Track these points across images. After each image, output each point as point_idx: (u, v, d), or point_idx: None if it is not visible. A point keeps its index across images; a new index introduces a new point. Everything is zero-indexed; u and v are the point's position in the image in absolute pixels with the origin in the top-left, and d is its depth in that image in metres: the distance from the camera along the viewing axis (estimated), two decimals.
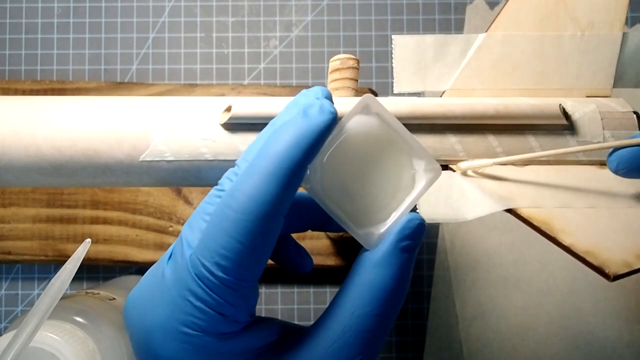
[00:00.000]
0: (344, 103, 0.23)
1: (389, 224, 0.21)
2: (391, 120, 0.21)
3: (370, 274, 0.21)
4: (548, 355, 0.38)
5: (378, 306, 0.21)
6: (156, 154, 0.24)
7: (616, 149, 0.22)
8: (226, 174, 0.21)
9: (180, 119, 0.24)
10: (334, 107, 0.20)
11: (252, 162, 0.20)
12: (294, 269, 0.26)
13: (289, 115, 0.21)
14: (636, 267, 0.21)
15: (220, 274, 0.19)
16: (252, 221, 0.19)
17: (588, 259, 0.22)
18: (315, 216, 0.21)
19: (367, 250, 0.21)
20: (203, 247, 0.19)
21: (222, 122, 0.24)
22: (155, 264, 0.22)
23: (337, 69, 0.27)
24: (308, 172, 0.21)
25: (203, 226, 0.20)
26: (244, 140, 0.24)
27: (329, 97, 0.22)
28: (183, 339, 0.20)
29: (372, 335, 0.21)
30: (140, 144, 0.24)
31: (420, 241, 0.21)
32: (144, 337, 0.20)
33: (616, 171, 0.22)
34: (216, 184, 0.21)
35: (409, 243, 0.21)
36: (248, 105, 0.24)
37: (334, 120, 0.20)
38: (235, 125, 0.24)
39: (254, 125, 0.24)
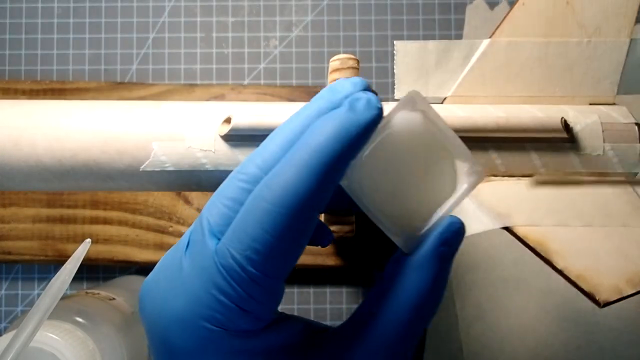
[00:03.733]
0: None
1: (427, 227, 0.20)
2: (436, 119, 0.20)
3: (407, 278, 0.20)
4: (548, 355, 0.38)
5: (414, 312, 0.20)
6: (156, 164, 0.24)
7: None
8: (250, 156, 0.20)
9: (180, 129, 0.24)
10: (380, 103, 0.19)
11: (292, 152, 0.19)
12: (312, 243, 0.25)
13: (322, 101, 0.20)
14: (627, 293, 0.21)
15: (249, 268, 0.18)
16: (288, 215, 0.18)
17: (580, 284, 0.22)
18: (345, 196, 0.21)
19: (404, 252, 0.20)
20: (234, 239, 0.18)
21: (222, 133, 0.24)
22: (170, 251, 0.21)
23: (337, 69, 0.27)
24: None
25: (223, 211, 0.19)
26: (244, 151, 0.24)
27: (369, 89, 0.21)
28: (202, 333, 0.19)
29: (405, 341, 0.20)
30: (140, 154, 0.24)
31: (459, 245, 0.21)
32: (161, 328, 0.19)
33: None
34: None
35: (448, 247, 0.20)
36: (248, 117, 0.24)
37: (381, 116, 0.19)
38: (235, 137, 0.24)
39: (254, 136, 0.24)
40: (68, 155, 0.23)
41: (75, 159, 0.23)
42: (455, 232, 0.20)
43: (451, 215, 0.20)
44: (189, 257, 0.19)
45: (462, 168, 0.20)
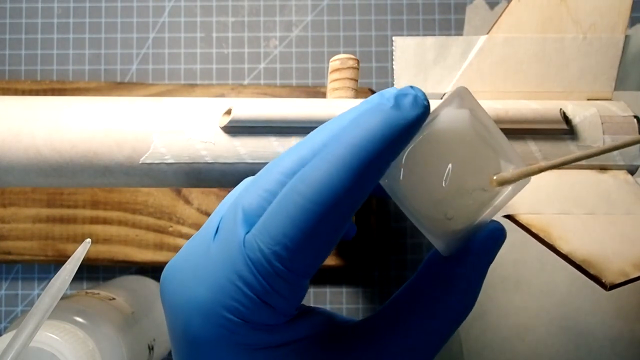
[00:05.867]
0: None
1: (468, 230, 0.20)
2: (484, 117, 0.19)
3: (447, 285, 0.20)
4: (548, 355, 0.38)
5: (445, 319, 0.20)
6: (156, 156, 0.24)
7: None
8: (293, 147, 0.19)
9: (180, 121, 0.24)
10: (427, 100, 0.18)
11: (331, 147, 0.18)
12: None
13: (375, 98, 0.19)
14: (633, 276, 0.21)
15: (277, 263, 0.17)
16: (322, 213, 0.17)
17: (585, 267, 0.21)
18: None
19: (440, 253, 0.20)
20: (264, 232, 0.18)
21: (222, 125, 0.24)
22: (196, 235, 0.20)
23: (337, 69, 0.27)
24: None
25: (259, 202, 0.18)
26: (244, 143, 0.24)
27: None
28: (223, 324, 0.18)
29: (431, 347, 0.20)
30: (140, 146, 0.24)
31: (498, 251, 0.20)
32: (182, 315, 0.19)
33: None
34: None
35: (488, 254, 0.20)
36: (248, 108, 0.24)
37: (427, 114, 0.18)
38: (236, 129, 0.24)
39: (255, 128, 0.24)
40: (67, 146, 0.23)
41: (75, 150, 0.23)
42: (497, 239, 0.20)
43: (493, 221, 0.20)
44: (217, 244, 0.19)
45: (508, 169, 0.20)
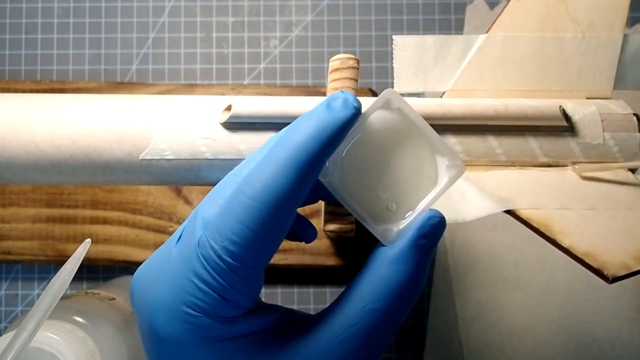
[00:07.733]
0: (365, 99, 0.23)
1: (408, 221, 0.21)
2: (413, 116, 0.21)
3: (386, 270, 0.21)
4: (548, 355, 0.38)
5: (390, 303, 0.20)
6: (156, 152, 0.24)
7: None
8: (245, 160, 0.21)
9: (181, 117, 0.24)
10: (358, 102, 0.20)
11: (271, 150, 0.20)
12: (297, 239, 0.26)
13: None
14: (635, 269, 0.21)
15: (227, 258, 0.19)
16: (264, 210, 0.19)
17: (587, 260, 0.22)
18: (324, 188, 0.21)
19: (384, 245, 0.21)
20: (214, 230, 0.19)
21: (222, 121, 0.24)
22: (164, 243, 0.22)
23: (337, 69, 0.27)
24: (327, 164, 0.21)
25: (217, 209, 0.20)
26: (244, 140, 0.24)
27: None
28: (184, 318, 0.20)
29: (380, 331, 0.21)
30: (140, 142, 0.24)
31: (439, 239, 0.21)
32: (148, 314, 0.20)
33: None
34: (215, 184, 0.21)
35: (427, 241, 0.21)
36: (248, 105, 0.24)
37: (357, 114, 0.20)
38: (236, 125, 0.24)
39: (254, 124, 0.24)
40: (67, 142, 0.23)
41: (75, 147, 0.23)
42: (434, 225, 0.21)
43: (431, 209, 0.21)
44: (178, 248, 0.20)
45: (442, 162, 0.21)
